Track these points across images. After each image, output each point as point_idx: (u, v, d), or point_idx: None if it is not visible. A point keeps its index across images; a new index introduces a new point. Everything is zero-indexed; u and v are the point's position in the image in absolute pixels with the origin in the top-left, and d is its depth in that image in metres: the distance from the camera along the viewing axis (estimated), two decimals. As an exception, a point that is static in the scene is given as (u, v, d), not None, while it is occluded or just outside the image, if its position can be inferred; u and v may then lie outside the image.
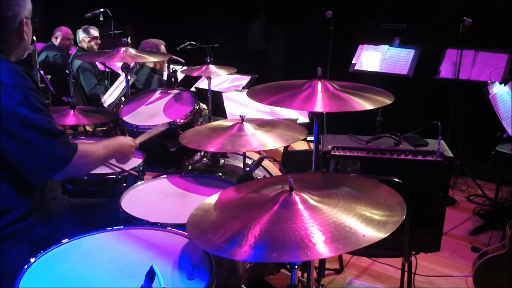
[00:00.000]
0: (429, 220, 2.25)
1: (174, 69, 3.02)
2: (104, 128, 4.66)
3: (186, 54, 4.31)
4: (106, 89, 4.19)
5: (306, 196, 1.32)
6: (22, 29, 1.64)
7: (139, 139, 2.14)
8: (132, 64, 3.24)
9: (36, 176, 1.60)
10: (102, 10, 4.62)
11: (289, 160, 3.21)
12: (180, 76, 3.97)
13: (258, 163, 2.06)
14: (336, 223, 1.22)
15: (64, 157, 1.59)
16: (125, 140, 2.00)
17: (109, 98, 3.74)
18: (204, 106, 3.28)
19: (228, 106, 3.36)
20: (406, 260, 2.23)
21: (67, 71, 4.60)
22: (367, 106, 1.71)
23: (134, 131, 2.56)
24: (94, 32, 5.14)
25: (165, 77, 4.11)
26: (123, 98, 3.49)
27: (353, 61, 4.37)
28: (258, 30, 6.12)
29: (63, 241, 1.50)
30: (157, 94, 2.89)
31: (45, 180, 1.70)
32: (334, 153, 2.24)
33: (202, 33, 5.28)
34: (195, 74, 3.30)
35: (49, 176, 1.62)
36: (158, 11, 6.17)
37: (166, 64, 3.89)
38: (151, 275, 1.02)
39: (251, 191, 1.51)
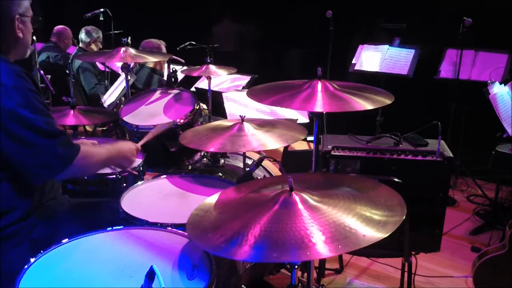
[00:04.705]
0: (429, 220, 2.25)
1: (174, 69, 3.01)
2: (104, 128, 4.67)
3: (186, 54, 4.31)
4: (106, 89, 4.19)
5: (306, 196, 1.32)
6: (14, 26, 1.61)
7: (142, 142, 2.15)
8: (132, 64, 3.24)
9: (37, 176, 1.60)
10: (102, 10, 4.62)
11: (289, 160, 3.20)
12: (180, 76, 3.97)
13: (258, 163, 2.05)
14: (336, 223, 1.22)
15: (66, 157, 1.59)
16: (128, 144, 2.01)
17: (109, 98, 3.74)
18: (204, 106, 3.28)
19: (228, 106, 3.36)
20: (406, 260, 2.23)
21: (67, 71, 4.60)
22: (367, 106, 1.72)
23: (134, 131, 2.56)
24: (96, 33, 5.14)
25: (165, 77, 4.10)
26: (123, 98, 3.49)
27: (353, 61, 4.37)
28: (258, 30, 6.12)
29: (63, 241, 1.50)
30: (157, 94, 2.88)
31: (46, 180, 1.70)
32: (334, 153, 2.24)
33: (202, 33, 5.27)
34: (195, 74, 3.30)
35: (50, 176, 1.62)
36: (158, 11, 6.17)
37: (166, 64, 3.89)
38: (151, 275, 1.02)
39: (251, 191, 1.51)
